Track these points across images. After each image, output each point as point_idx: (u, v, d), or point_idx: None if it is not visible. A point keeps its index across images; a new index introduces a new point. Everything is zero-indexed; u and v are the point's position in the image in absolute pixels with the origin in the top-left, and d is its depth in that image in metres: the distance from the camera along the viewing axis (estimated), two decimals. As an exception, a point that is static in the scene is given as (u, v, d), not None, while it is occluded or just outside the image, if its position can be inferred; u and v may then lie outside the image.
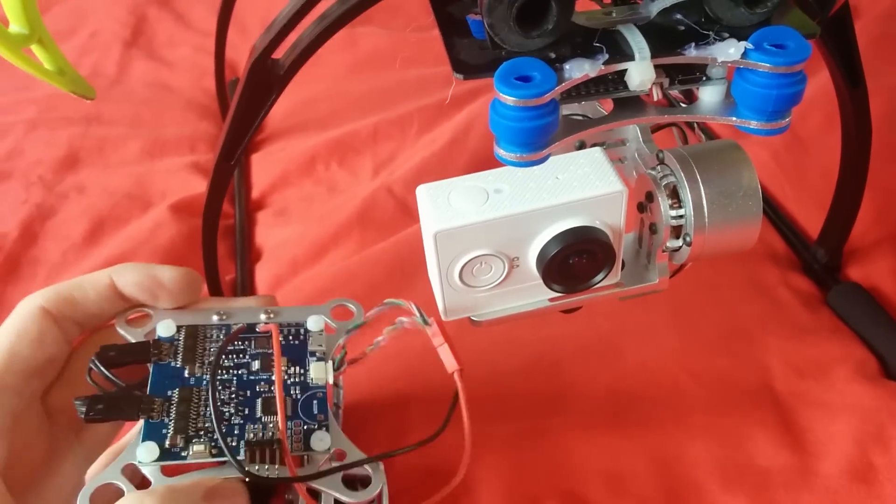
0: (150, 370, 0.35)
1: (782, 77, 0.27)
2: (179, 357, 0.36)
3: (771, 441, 0.42)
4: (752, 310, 0.50)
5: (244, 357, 0.36)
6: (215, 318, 0.37)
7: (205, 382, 0.35)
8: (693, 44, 0.28)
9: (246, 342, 0.37)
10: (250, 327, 0.37)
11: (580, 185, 0.33)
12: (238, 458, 0.32)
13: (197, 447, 0.32)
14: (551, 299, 0.37)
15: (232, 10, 0.64)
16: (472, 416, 0.44)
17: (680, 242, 0.35)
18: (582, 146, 0.39)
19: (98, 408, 0.33)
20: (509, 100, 0.27)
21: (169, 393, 0.34)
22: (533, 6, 0.27)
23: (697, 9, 0.29)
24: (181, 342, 0.36)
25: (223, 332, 0.37)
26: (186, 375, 0.35)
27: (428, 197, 0.34)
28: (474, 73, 0.28)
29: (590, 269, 0.35)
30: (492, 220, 0.33)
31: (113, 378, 0.34)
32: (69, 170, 0.63)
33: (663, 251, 0.36)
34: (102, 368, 0.34)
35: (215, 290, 0.45)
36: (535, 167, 0.31)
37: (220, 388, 0.35)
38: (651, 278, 0.38)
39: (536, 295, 0.36)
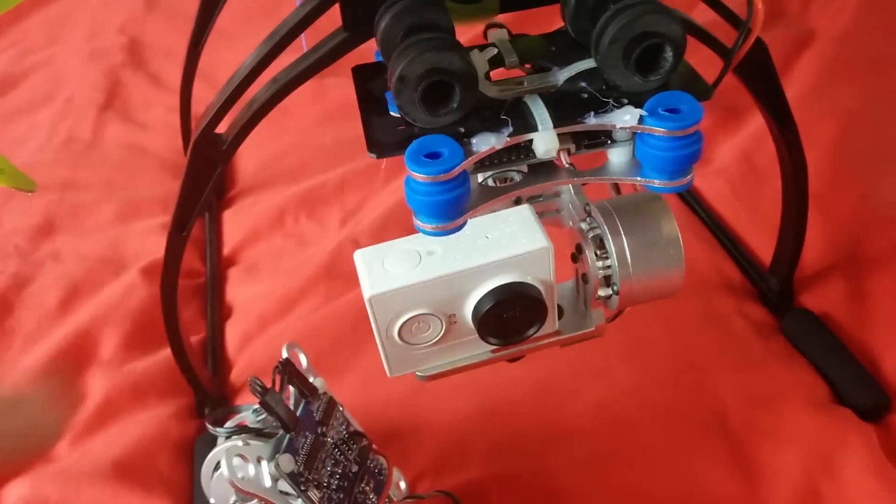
0: (301, 404, 0.38)
1: (677, 140, 0.29)
2: (322, 412, 0.39)
3: (723, 473, 0.43)
4: (707, 341, 0.51)
5: (351, 451, 0.40)
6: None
7: (328, 444, 0.38)
8: (593, 112, 0.29)
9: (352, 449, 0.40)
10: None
11: (508, 244, 0.35)
12: None
13: (313, 493, 0.36)
14: (493, 351, 0.38)
15: (195, 71, 0.65)
16: (434, 464, 0.46)
17: (610, 291, 0.37)
18: (519, 200, 0.40)
19: (273, 399, 0.36)
20: (419, 177, 0.28)
21: (307, 432, 0.38)
22: (439, 87, 0.29)
23: (599, 77, 0.31)
24: (325, 403, 0.40)
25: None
26: (320, 431, 0.38)
27: (363, 262, 0.35)
28: (387, 152, 0.30)
29: (524, 323, 0.36)
30: (424, 282, 0.34)
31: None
32: (45, 237, 0.65)
33: (596, 299, 0.38)
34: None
35: (180, 356, 0.46)
36: (465, 228, 0.32)
37: (334, 462, 0.38)
38: (588, 325, 0.39)
39: (477, 348, 0.38)
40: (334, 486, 0.37)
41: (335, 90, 0.81)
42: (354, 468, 0.39)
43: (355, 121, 0.79)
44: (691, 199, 0.63)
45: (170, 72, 0.87)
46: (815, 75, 0.70)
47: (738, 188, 0.62)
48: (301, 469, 0.36)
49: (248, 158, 0.73)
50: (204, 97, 0.70)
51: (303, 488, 0.35)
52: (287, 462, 0.35)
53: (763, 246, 0.57)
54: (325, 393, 0.40)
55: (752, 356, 0.50)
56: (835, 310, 0.52)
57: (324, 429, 0.39)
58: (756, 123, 0.66)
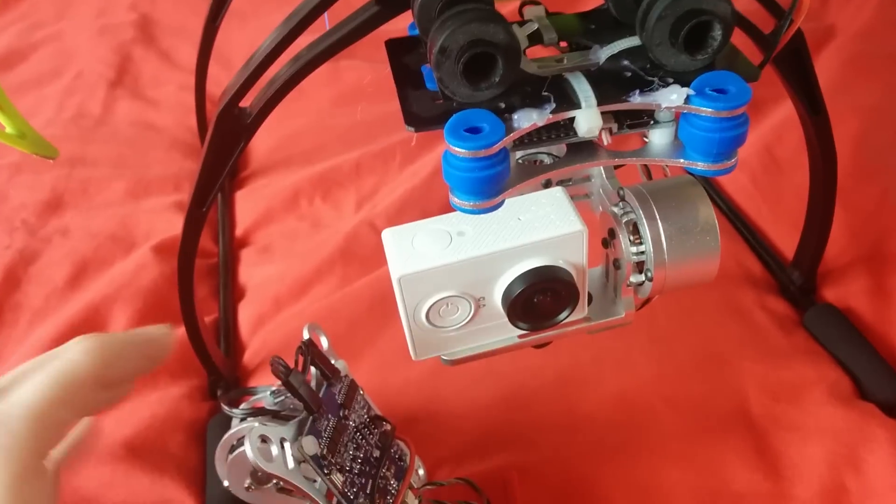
0: (324, 387, 0.38)
1: (724, 121, 0.28)
2: (343, 395, 0.39)
3: (746, 466, 0.43)
4: (729, 334, 0.51)
5: (372, 434, 0.39)
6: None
7: (350, 428, 0.38)
8: (638, 90, 0.29)
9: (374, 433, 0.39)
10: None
11: (541, 226, 0.34)
12: None
13: (335, 476, 0.35)
14: (520, 336, 0.37)
15: (212, 47, 0.64)
16: (453, 451, 0.45)
17: (642, 277, 0.36)
18: (548, 183, 0.40)
19: (297, 380, 0.35)
20: (459, 151, 0.27)
21: (329, 415, 0.37)
22: (481, 60, 0.28)
23: (643, 55, 0.30)
24: (346, 386, 0.39)
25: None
26: (342, 415, 0.38)
27: (393, 241, 0.34)
28: (425, 126, 0.29)
29: (554, 307, 0.35)
30: (455, 263, 0.33)
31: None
32: (53, 213, 0.64)
33: (627, 286, 0.37)
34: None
35: (194, 336, 0.45)
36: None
37: (357, 446, 0.38)
38: (618, 312, 0.38)
39: (504, 332, 0.37)
40: (356, 471, 0.36)
41: (349, 73, 0.80)
42: (376, 453, 0.38)
43: (371, 103, 0.79)
44: (712, 192, 0.62)
45: (181, 49, 0.86)
46: (836, 71, 0.69)
47: (760, 181, 0.62)
48: (324, 452, 0.35)
49: (262, 140, 0.73)
50: (216, 76, 0.70)
51: (326, 472, 0.35)
52: (311, 444, 0.34)
53: (784, 239, 0.57)
54: (346, 375, 0.40)
55: (774, 349, 0.49)
56: (857, 305, 0.51)
57: (346, 412, 0.38)
58: (777, 116, 0.65)
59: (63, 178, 0.68)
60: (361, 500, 0.36)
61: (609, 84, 0.29)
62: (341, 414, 0.38)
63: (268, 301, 0.56)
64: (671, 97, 0.28)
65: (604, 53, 0.31)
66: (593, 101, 0.29)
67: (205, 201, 0.40)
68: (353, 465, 0.37)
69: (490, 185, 0.29)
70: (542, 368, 0.48)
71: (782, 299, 0.53)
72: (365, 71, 0.79)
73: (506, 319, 0.35)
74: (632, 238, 0.35)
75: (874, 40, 0.72)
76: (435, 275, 0.33)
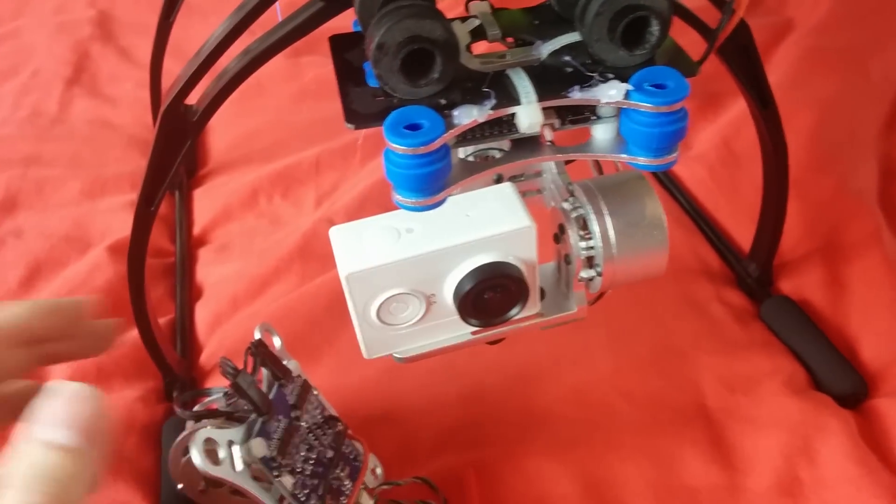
0: (275, 387, 0.37)
1: (663, 116, 0.28)
2: (295, 395, 0.38)
3: (701, 459, 0.43)
4: (686, 327, 0.51)
5: (325, 435, 0.39)
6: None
7: (302, 429, 0.37)
8: (578, 86, 0.29)
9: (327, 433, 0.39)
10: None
11: (490, 222, 0.34)
12: None
13: (286, 479, 0.35)
14: (473, 332, 0.37)
15: (166, 44, 0.64)
16: (411, 450, 0.45)
17: (593, 272, 0.36)
18: (500, 179, 0.40)
19: (245, 382, 0.35)
20: (399, 148, 0.27)
21: (280, 416, 0.36)
22: (419, 56, 0.28)
23: (584, 51, 0.30)
24: (299, 387, 0.39)
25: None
26: (293, 416, 0.37)
27: (340, 239, 0.34)
28: (365, 123, 0.29)
29: (505, 303, 0.35)
30: (404, 260, 0.33)
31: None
32: (6, 213, 0.63)
33: (579, 281, 0.37)
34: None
35: (147, 337, 0.45)
36: (445, 205, 0.31)
37: (308, 447, 0.37)
38: (570, 307, 0.38)
39: (457, 329, 0.37)
40: (308, 472, 0.36)
41: (311, 69, 0.79)
42: (329, 453, 0.38)
43: (331, 100, 0.78)
44: (670, 185, 0.62)
45: (139, 46, 0.85)
46: (793, 64, 0.70)
47: (718, 174, 0.62)
48: (274, 454, 0.35)
49: (221, 136, 0.72)
50: (175, 73, 0.69)
51: (276, 474, 0.34)
52: (259, 446, 0.34)
53: (741, 232, 0.57)
54: (298, 376, 0.39)
55: (731, 342, 0.49)
56: (813, 296, 0.52)
57: (298, 413, 0.38)
58: (736, 110, 0.66)
59: (17, 177, 0.66)
60: (313, 502, 0.35)
61: (550, 80, 0.29)
62: (293, 415, 0.37)
63: (225, 300, 0.55)
64: (610, 92, 0.28)
65: (545, 49, 0.31)
66: (533, 96, 0.29)
67: (153, 200, 0.39)
68: (305, 466, 0.36)
69: (431, 181, 0.28)
70: (500, 365, 0.48)
71: (739, 291, 0.54)
72: (326, 67, 0.78)
73: (458, 316, 0.35)
74: (581, 233, 0.35)
75: (831, 34, 0.73)
76: (384, 272, 0.33)
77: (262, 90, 0.77)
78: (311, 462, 0.37)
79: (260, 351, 0.37)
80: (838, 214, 0.56)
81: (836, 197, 0.57)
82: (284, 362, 0.39)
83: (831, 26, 0.73)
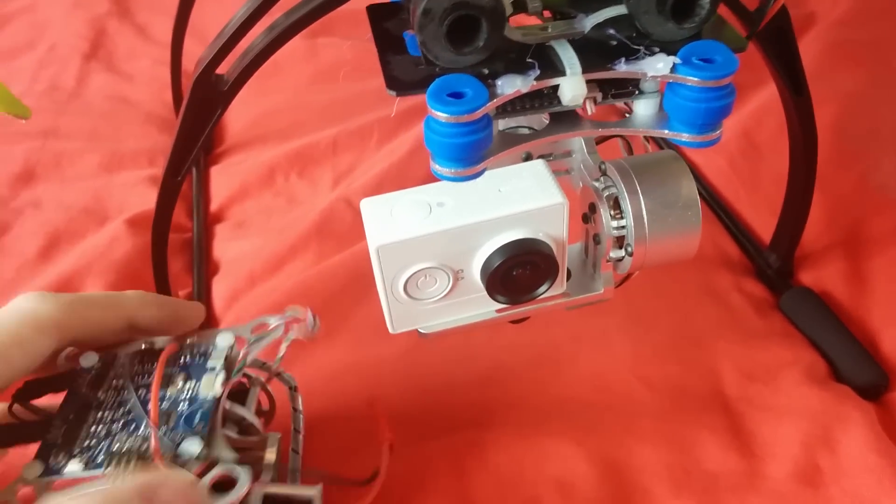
0: (64, 397, 0.35)
1: (710, 91, 0.28)
2: (89, 383, 0.36)
3: (719, 445, 0.43)
4: (705, 315, 0.51)
5: (147, 378, 0.36)
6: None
7: (105, 404, 0.35)
8: (623, 59, 0.28)
9: (150, 364, 0.37)
10: (155, 351, 0.37)
11: (522, 198, 0.33)
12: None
13: (72, 466, 0.32)
14: (498, 310, 0.37)
15: (188, 20, 0.63)
16: (428, 428, 0.45)
17: (622, 253, 0.36)
18: (528, 157, 0.39)
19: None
20: (441, 116, 0.27)
21: (71, 416, 0.34)
22: (464, 24, 0.27)
23: (629, 24, 0.30)
24: (96, 370, 0.36)
25: (137, 358, 0.37)
26: (90, 400, 0.35)
27: (371, 211, 0.34)
28: (407, 90, 0.28)
29: (533, 281, 0.35)
30: (434, 234, 0.33)
31: (33, 409, 0.35)
32: (25, 185, 0.63)
33: (607, 261, 0.37)
34: (22, 403, 0.35)
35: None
36: (477, 180, 0.31)
37: (115, 407, 0.35)
38: (597, 288, 0.38)
39: (483, 306, 0.37)
40: (103, 433, 0.34)
41: (327, 50, 0.79)
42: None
43: (348, 81, 0.78)
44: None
45: (156, 24, 0.85)
46: (816, 58, 0.69)
47: (738, 165, 0.62)
48: (55, 457, 0.33)
49: (238, 116, 0.72)
50: (192, 51, 0.68)
51: (62, 471, 0.32)
52: (32, 469, 0.32)
53: (761, 223, 0.57)
54: (100, 358, 0.37)
55: (750, 332, 0.49)
56: (834, 288, 0.52)
57: (96, 392, 0.35)
58: (757, 101, 0.65)
59: (35, 150, 0.66)
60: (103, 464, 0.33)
61: (594, 52, 0.29)
62: (88, 400, 0.35)
63: (242, 277, 0.55)
64: (657, 66, 0.28)
65: (589, 22, 0.30)
66: (578, 68, 0.28)
67: (180, 170, 0.39)
68: (116, 424, 0.34)
69: (472, 151, 0.28)
70: (519, 347, 0.48)
71: (759, 282, 0.53)
72: (343, 48, 0.78)
73: (484, 293, 0.35)
74: (613, 213, 0.35)
75: (854, 28, 0.73)
76: (414, 245, 0.33)
77: (278, 70, 0.76)
78: (107, 421, 0.34)
79: (19, 406, 0.35)
80: (860, 209, 0.55)
81: (858, 191, 0.57)
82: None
83: (854, 20, 0.73)
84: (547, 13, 0.33)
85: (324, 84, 0.75)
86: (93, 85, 0.76)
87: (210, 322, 0.53)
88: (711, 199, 0.60)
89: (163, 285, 0.44)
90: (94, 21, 0.84)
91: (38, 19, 0.86)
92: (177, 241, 0.58)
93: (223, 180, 0.65)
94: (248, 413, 0.36)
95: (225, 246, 0.59)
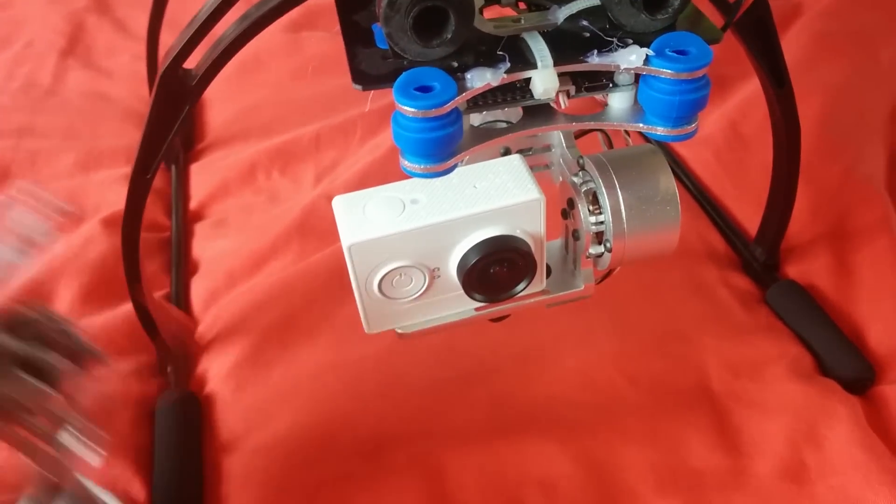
0: None
1: (684, 83, 0.27)
2: None
3: (705, 443, 0.42)
4: (691, 310, 0.50)
5: None
6: None
7: None
8: (595, 51, 0.28)
9: None
10: None
11: (498, 194, 0.33)
12: None
13: None
14: (477, 309, 0.36)
15: (163, 14, 0.62)
16: (409, 427, 0.44)
17: (602, 248, 0.35)
18: (507, 152, 0.38)
19: None
20: (409, 111, 0.26)
21: None
22: (432, 15, 0.27)
23: (602, 16, 0.29)
24: None
25: None
26: None
27: (343, 208, 0.33)
28: (373, 84, 0.27)
29: (511, 278, 0.34)
30: (408, 231, 0.32)
31: None
32: (-1, 184, 0.62)
33: (587, 257, 0.36)
34: None
35: (141, 310, 0.44)
36: (452, 176, 0.30)
37: None
38: (577, 285, 0.37)
39: (461, 305, 0.36)
40: None
41: (310, 43, 0.78)
42: None
43: (332, 76, 0.77)
44: (675, 167, 0.61)
45: (136, 19, 0.84)
46: (802, 49, 0.69)
47: (724, 158, 0.61)
48: None
49: (219, 111, 0.70)
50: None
51: None
52: None
53: (747, 216, 0.56)
54: None
55: (736, 326, 0.49)
56: (820, 281, 0.51)
57: None
58: (743, 94, 0.65)
59: (10, 148, 0.65)
60: None
61: (567, 44, 0.28)
62: None
63: (221, 276, 0.54)
64: (630, 58, 0.27)
65: (562, 14, 0.30)
66: (550, 61, 0.28)
67: (149, 168, 0.38)
68: None
69: (441, 147, 0.27)
70: (502, 346, 0.47)
71: (745, 276, 0.53)
72: (327, 42, 0.77)
73: (461, 291, 0.34)
74: (591, 208, 0.34)
75: (840, 18, 0.72)
76: (387, 243, 0.32)
77: (260, 65, 0.75)
78: None
79: None
80: (846, 200, 0.55)
81: (844, 182, 0.56)
82: None
83: (840, 10, 0.72)
84: (522, 4, 0.32)
85: (307, 79, 0.74)
86: (70, 82, 0.75)
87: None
88: (698, 192, 0.60)
89: (135, 285, 0.42)
90: (72, 16, 0.83)
91: (15, 15, 0.85)
92: (155, 240, 0.57)
93: (203, 177, 0.64)
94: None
95: (204, 245, 0.58)
